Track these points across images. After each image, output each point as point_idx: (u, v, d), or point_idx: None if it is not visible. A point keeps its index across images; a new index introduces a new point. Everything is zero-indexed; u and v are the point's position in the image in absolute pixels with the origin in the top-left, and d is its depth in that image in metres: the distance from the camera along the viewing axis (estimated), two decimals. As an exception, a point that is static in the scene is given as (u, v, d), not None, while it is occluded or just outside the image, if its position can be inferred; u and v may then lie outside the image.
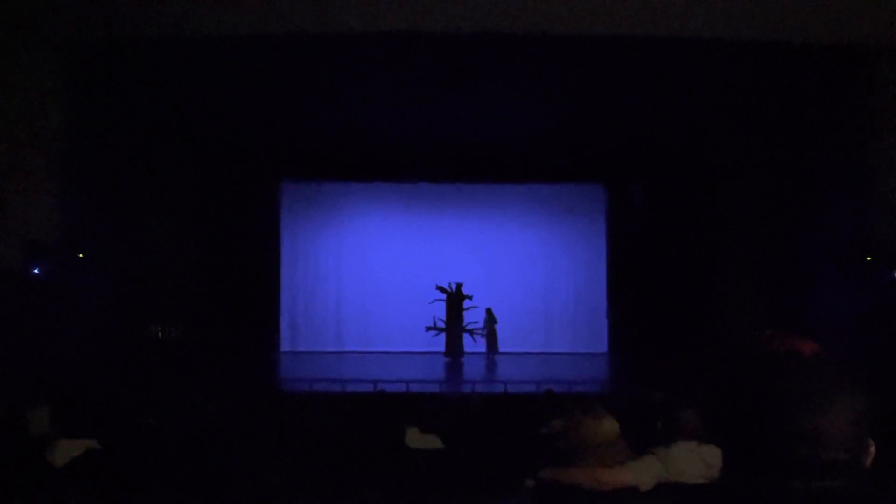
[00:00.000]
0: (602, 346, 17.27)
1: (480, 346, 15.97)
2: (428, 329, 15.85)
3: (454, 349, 15.67)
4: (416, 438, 5.34)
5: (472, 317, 15.98)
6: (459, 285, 15.96)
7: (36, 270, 9.69)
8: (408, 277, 17.19)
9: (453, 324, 15.78)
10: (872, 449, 1.44)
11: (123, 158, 12.52)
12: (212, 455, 4.33)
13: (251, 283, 16.32)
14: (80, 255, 10.47)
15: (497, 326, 16.07)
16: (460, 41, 10.17)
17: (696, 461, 3.76)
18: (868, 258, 10.51)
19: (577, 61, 11.01)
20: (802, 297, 12.68)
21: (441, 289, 15.89)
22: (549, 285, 17.59)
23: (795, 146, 13.00)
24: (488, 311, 16.03)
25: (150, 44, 10.42)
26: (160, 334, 13.72)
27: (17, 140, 9.89)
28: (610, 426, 3.51)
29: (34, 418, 5.37)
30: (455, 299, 15.85)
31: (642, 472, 3.53)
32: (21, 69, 9.97)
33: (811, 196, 12.52)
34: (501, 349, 16.01)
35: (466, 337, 15.91)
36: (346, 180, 17.11)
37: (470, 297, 15.93)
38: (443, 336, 15.92)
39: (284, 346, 17.15)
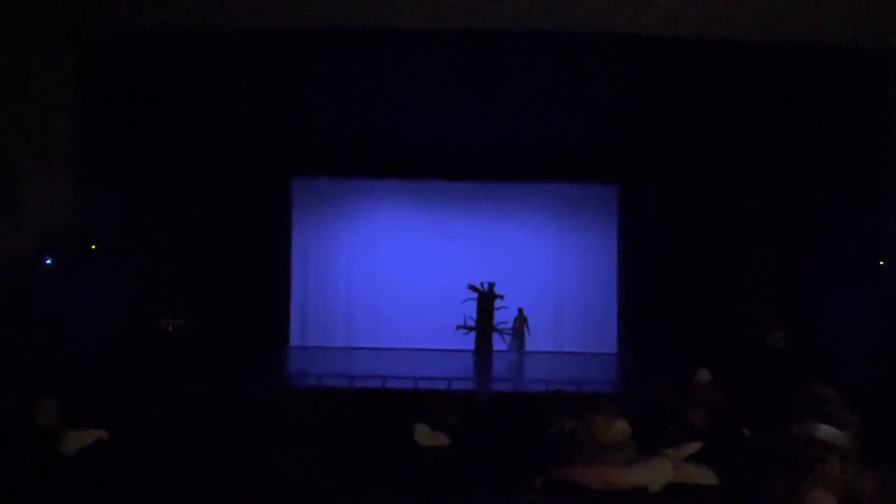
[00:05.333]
0: (612, 346, 17.22)
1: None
2: (458, 328, 15.89)
3: (483, 348, 15.72)
4: (425, 435, 5.33)
5: (502, 316, 16.04)
6: (492, 285, 15.99)
7: (49, 262, 9.73)
8: (418, 274, 17.18)
9: (483, 323, 15.82)
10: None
11: (136, 153, 12.55)
12: (218, 447, 4.34)
13: (261, 278, 16.34)
14: (93, 248, 10.50)
15: (504, 325, 16.04)
16: (475, 39, 10.15)
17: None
18: (881, 262, 10.46)
19: (593, 61, 10.98)
20: (814, 300, 12.63)
21: (473, 288, 15.92)
22: (560, 284, 17.55)
23: (809, 149, 12.94)
24: (520, 310, 16.05)
25: (164, 40, 10.44)
26: (170, 327, 13.76)
27: (32, 134, 9.93)
28: (621, 427, 3.50)
29: (43, 409, 5.40)
30: (487, 299, 15.89)
31: (651, 473, 3.53)
32: (36, 64, 10.02)
33: (824, 199, 12.46)
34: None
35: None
36: (357, 177, 17.11)
37: (501, 297, 15.95)
38: (436, 334, 16.10)
39: (294, 340, 17.17)
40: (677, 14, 9.28)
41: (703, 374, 7.43)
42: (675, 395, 6.72)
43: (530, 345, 16.08)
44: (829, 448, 1.51)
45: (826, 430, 1.51)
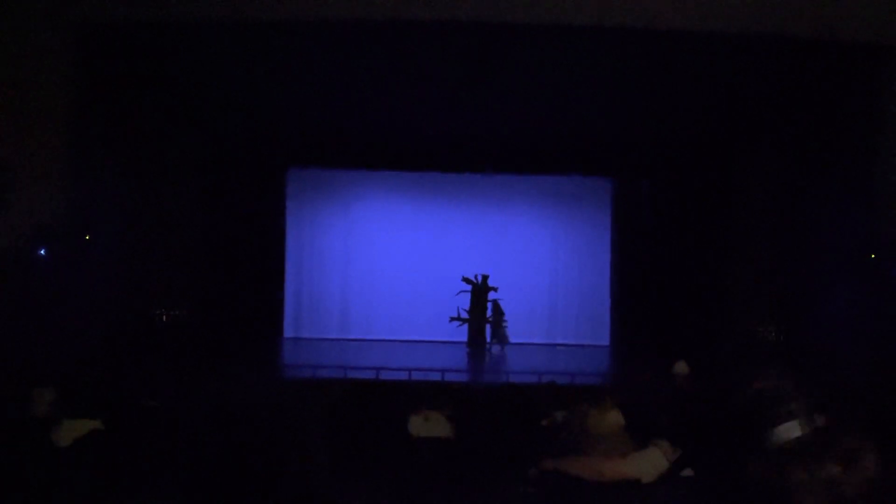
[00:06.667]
0: (605, 338, 17.28)
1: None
2: (452, 319, 15.93)
3: (476, 340, 15.76)
4: (419, 426, 5.35)
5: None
6: (486, 277, 16.02)
7: (42, 252, 9.71)
8: (413, 266, 17.21)
9: (476, 315, 15.86)
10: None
11: (130, 143, 12.52)
12: (212, 438, 4.35)
13: (256, 269, 16.32)
14: (87, 238, 10.48)
15: (503, 318, 16.09)
16: (470, 31, 10.14)
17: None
18: (872, 255, 10.49)
19: (589, 54, 10.98)
20: (807, 294, 12.68)
21: (467, 280, 15.96)
22: (554, 277, 17.60)
23: (803, 143, 12.97)
24: (494, 303, 16.09)
25: (159, 28, 10.41)
26: (164, 317, 13.76)
27: (26, 122, 9.90)
28: (614, 418, 3.53)
29: (38, 399, 5.40)
30: (480, 291, 15.93)
31: (644, 464, 3.55)
32: (31, 52, 9.98)
33: (818, 193, 12.50)
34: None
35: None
36: (353, 168, 17.09)
37: (496, 290, 16.00)
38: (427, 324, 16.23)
39: (288, 332, 17.17)
40: (672, 7, 9.29)
41: (681, 367, 7.39)
42: (663, 387, 6.76)
43: (523, 336, 16.16)
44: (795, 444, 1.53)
45: (785, 429, 1.51)
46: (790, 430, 1.54)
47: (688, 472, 3.54)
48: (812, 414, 1.64)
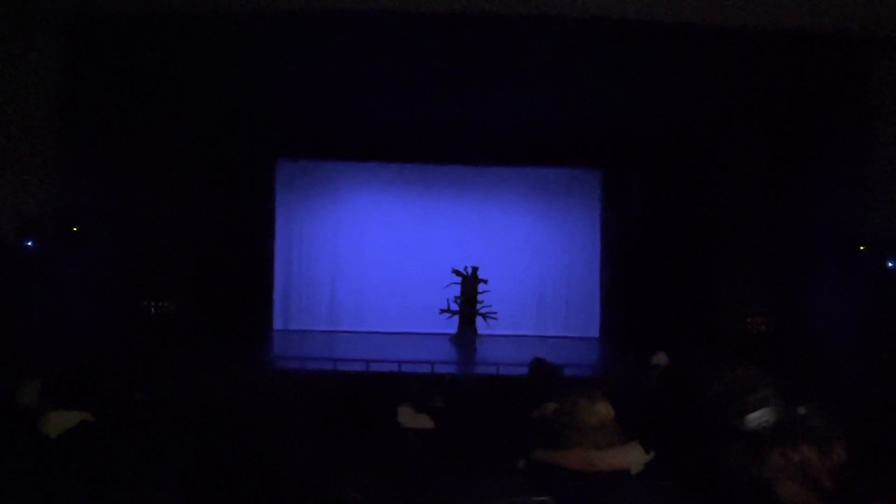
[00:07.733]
0: (594, 330, 17.33)
1: (493, 328, 16.14)
2: (442, 311, 15.97)
3: (467, 332, 15.82)
4: (408, 417, 5.36)
5: (485, 300, 16.16)
6: (475, 269, 16.08)
7: (30, 244, 9.65)
8: (403, 258, 17.21)
9: (466, 307, 15.92)
10: None
11: (119, 134, 12.45)
12: (201, 431, 4.34)
13: (245, 261, 16.28)
14: (75, 230, 10.43)
15: (488, 309, 16.15)
16: (460, 22, 10.11)
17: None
18: (861, 247, 10.53)
19: (578, 45, 10.96)
20: (796, 286, 12.73)
21: (457, 272, 15.99)
22: (544, 269, 17.63)
23: (792, 135, 13.00)
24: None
25: (147, 21, 10.34)
26: (153, 310, 13.70)
27: (12, 113, 9.83)
28: (604, 409, 3.53)
29: (26, 391, 5.38)
30: (470, 283, 15.98)
31: (633, 455, 3.56)
32: (18, 44, 9.90)
33: (807, 185, 12.54)
34: (494, 331, 16.13)
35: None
36: (342, 159, 17.07)
37: (485, 282, 16.05)
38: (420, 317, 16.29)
39: (277, 324, 17.16)
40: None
41: (661, 357, 7.38)
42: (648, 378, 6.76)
43: (514, 328, 16.22)
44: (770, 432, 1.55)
45: (755, 417, 1.54)
46: (761, 417, 1.57)
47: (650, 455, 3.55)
48: (786, 401, 1.67)
